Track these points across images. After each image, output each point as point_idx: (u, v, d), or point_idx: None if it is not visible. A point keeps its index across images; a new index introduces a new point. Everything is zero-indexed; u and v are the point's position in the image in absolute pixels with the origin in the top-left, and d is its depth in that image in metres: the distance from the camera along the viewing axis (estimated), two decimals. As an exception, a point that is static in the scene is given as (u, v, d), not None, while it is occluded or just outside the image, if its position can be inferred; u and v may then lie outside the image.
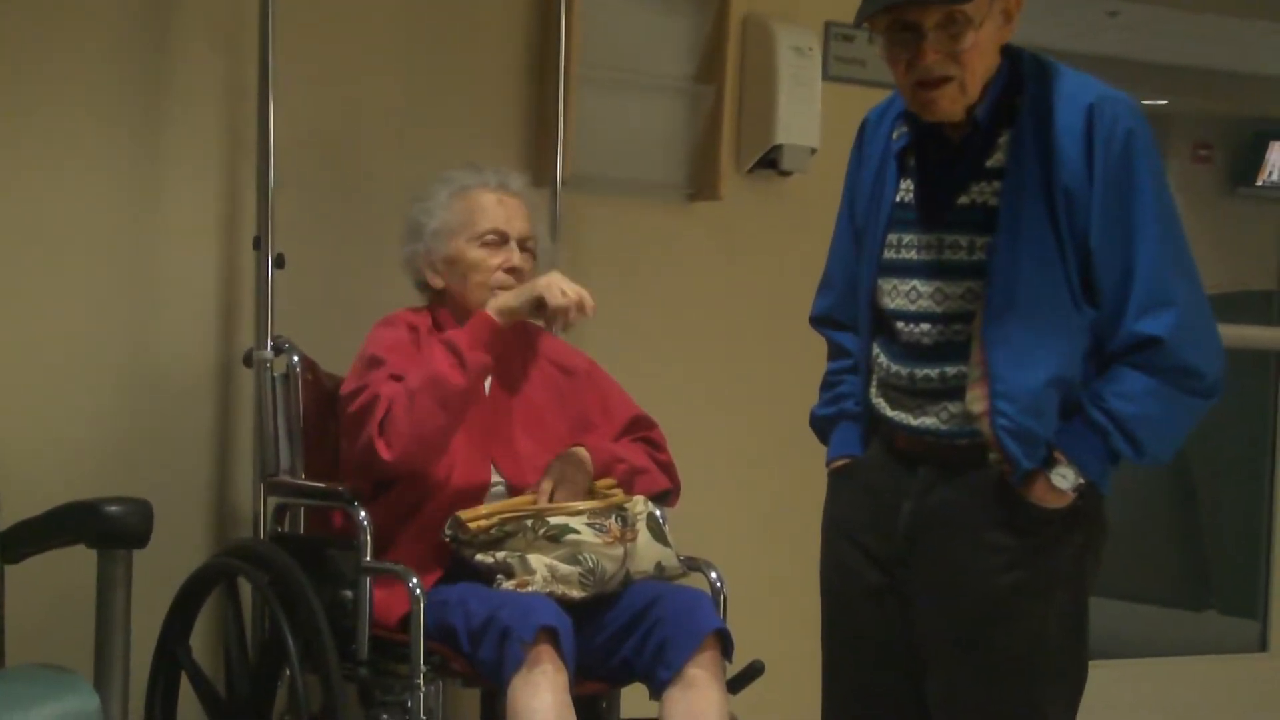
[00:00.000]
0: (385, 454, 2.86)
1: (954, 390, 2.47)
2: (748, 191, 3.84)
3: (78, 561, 2.80)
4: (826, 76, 3.82)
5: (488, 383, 3.03)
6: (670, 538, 2.94)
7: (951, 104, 2.44)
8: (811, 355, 2.83)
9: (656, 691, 2.75)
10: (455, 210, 3.05)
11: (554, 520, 2.82)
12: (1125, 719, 4.28)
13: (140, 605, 2.83)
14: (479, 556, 2.82)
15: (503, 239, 3.03)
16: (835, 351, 2.72)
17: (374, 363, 2.97)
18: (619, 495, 2.95)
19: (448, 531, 2.84)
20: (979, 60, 2.42)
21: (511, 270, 3.02)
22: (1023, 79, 2.48)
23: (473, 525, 2.81)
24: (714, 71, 3.79)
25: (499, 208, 3.06)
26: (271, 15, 3.21)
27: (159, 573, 3.05)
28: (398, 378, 2.90)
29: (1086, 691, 2.59)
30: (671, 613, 2.77)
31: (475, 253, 3.02)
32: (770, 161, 3.80)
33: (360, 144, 3.47)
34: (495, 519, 2.82)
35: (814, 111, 3.76)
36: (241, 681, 3.08)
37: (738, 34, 3.80)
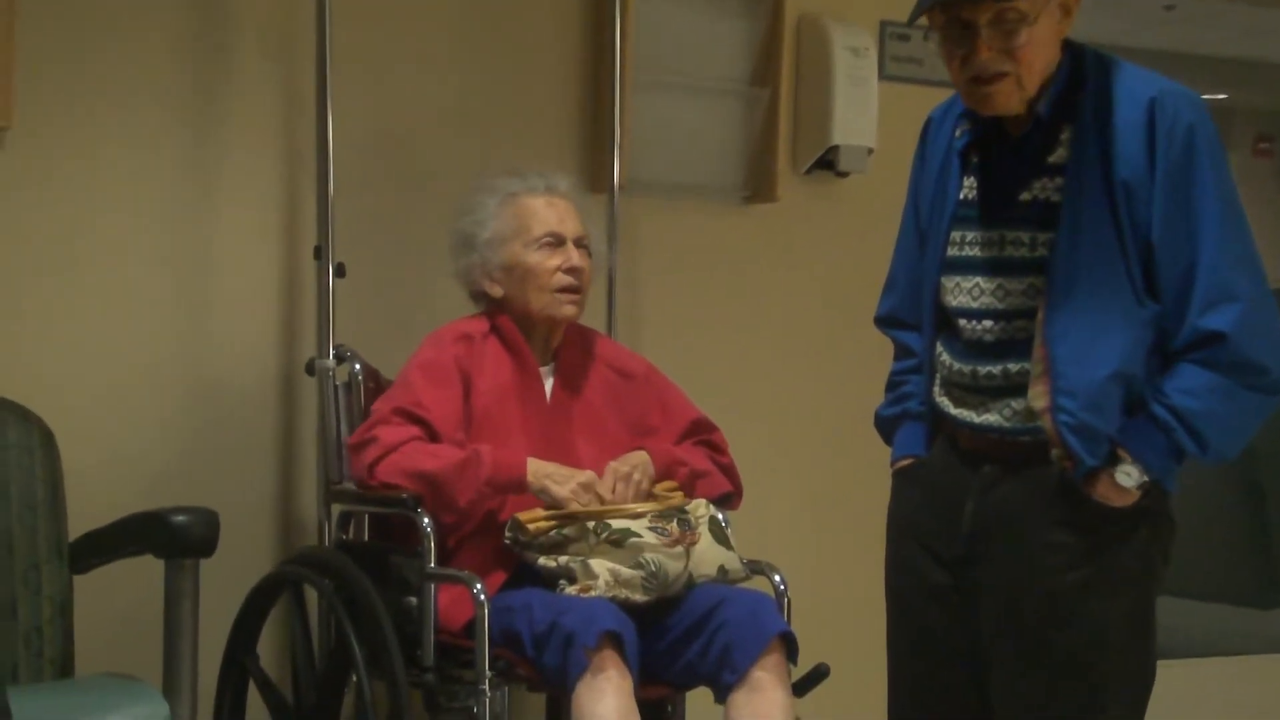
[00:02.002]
0: (355, 474, 2.96)
1: (1017, 387, 2.46)
2: (805, 193, 3.83)
3: (146, 571, 2.83)
4: (883, 76, 3.81)
5: (548, 387, 3.04)
6: (733, 540, 2.93)
7: (1007, 99, 2.42)
8: (870, 356, 2.83)
9: (721, 695, 2.75)
10: (506, 218, 3.05)
11: (615, 524, 2.81)
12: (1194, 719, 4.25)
13: (208, 614, 2.85)
14: (542, 561, 2.82)
15: (559, 240, 3.03)
16: (900, 352, 2.71)
17: (406, 380, 3.00)
18: (679, 498, 2.94)
19: (508, 534, 2.85)
20: (1035, 55, 2.41)
21: (571, 270, 3.01)
22: (1084, 74, 2.46)
23: (532, 527, 2.82)
24: (769, 73, 3.78)
25: (550, 210, 3.06)
26: (328, 24, 3.21)
27: (225, 581, 3.07)
28: (413, 416, 2.92)
29: (1155, 691, 2.57)
30: (735, 616, 2.76)
31: (533, 257, 3.02)
32: (827, 163, 3.78)
33: (417, 151, 3.47)
34: (553, 521, 2.82)
35: (870, 112, 3.75)
36: (308, 689, 3.10)
37: (792, 35, 3.78)
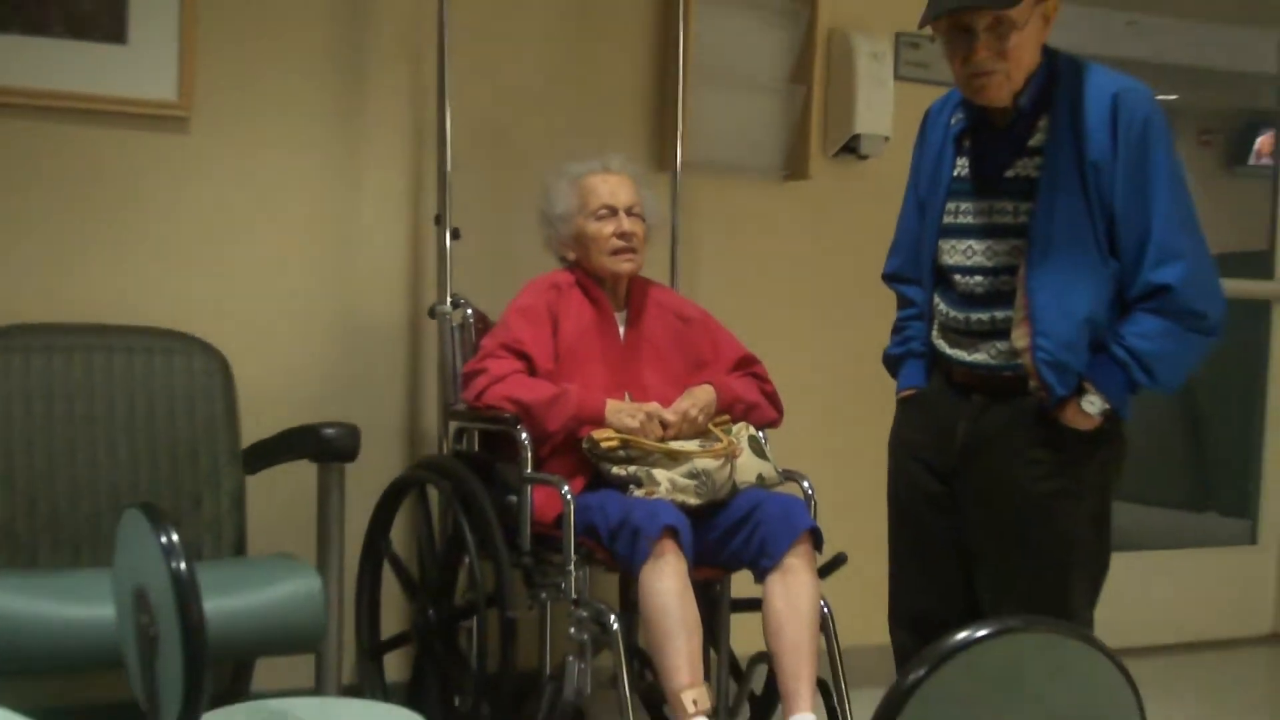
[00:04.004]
0: (467, 399, 2.96)
1: (1002, 330, 2.47)
2: (832, 173, 3.81)
3: (302, 472, 2.89)
4: (897, 77, 3.79)
5: (621, 329, 3.06)
6: (769, 453, 2.95)
7: (999, 90, 2.43)
8: (882, 307, 2.83)
9: (760, 577, 2.78)
10: (571, 196, 3.06)
11: (673, 445, 2.85)
12: (1140, 602, 4.26)
13: (351, 507, 2.92)
14: (614, 469, 2.84)
15: (612, 211, 3.03)
16: (903, 302, 2.72)
17: (505, 322, 3.01)
18: (726, 422, 2.97)
19: (585, 445, 2.87)
20: (1022, 56, 2.41)
21: (623, 234, 3.02)
22: (1059, 73, 2.46)
23: (604, 445, 2.84)
24: (804, 73, 3.76)
25: (604, 184, 3.05)
26: (445, 32, 3.22)
27: (365, 481, 3.14)
28: (516, 351, 2.94)
29: (1109, 576, 2.58)
30: (771, 514, 2.78)
31: (592, 226, 3.03)
32: (851, 148, 3.77)
33: (517, 135, 3.47)
34: (618, 441, 2.84)
35: (887, 106, 3.72)
36: (431, 567, 3.14)
37: (824, 43, 3.76)
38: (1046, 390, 2.43)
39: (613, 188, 3.05)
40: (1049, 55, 2.48)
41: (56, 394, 2.90)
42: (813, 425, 3.58)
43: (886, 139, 3.73)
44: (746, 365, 3.13)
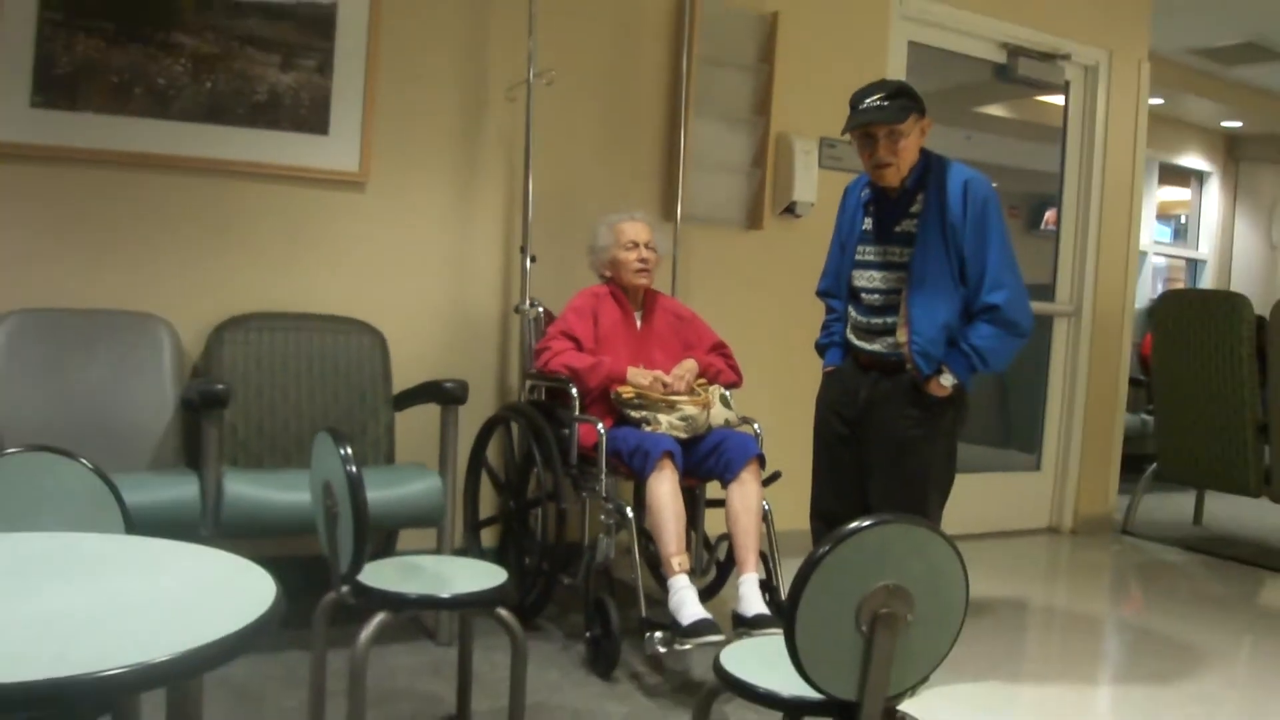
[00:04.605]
0: (537, 366, 2.91)
1: (890, 330, 2.46)
2: (777, 225, 3.76)
3: (431, 411, 2.86)
4: (820, 165, 3.74)
5: (638, 324, 3.01)
6: (733, 405, 2.92)
7: (893, 176, 2.41)
8: (812, 314, 2.80)
9: (724, 485, 2.74)
10: (609, 235, 3.02)
11: (674, 399, 2.81)
12: (965, 506, 4.24)
13: (462, 434, 2.90)
14: (632, 413, 2.81)
15: (635, 244, 2.98)
16: (828, 310, 2.72)
17: (564, 317, 2.97)
18: (704, 383, 2.93)
19: (613, 396, 2.84)
20: (907, 155, 2.40)
21: (643, 260, 2.97)
22: (930, 166, 2.43)
23: (625, 395, 2.81)
24: (761, 161, 3.71)
25: (631, 227, 3.00)
26: (530, 128, 3.20)
27: (471, 418, 3.12)
28: (570, 335, 2.89)
29: (954, 491, 2.55)
30: (733, 445, 2.75)
31: (622, 255, 2.98)
32: (790, 209, 3.72)
33: (575, 197, 3.43)
34: (634, 394, 2.81)
35: (813, 183, 3.68)
36: (512, 474, 3.12)
37: (774, 142, 3.71)
38: (918, 370, 2.40)
39: (636, 229, 3.01)
40: (924, 154, 2.46)
41: (278, 357, 2.89)
42: (763, 385, 3.55)
43: (812, 204, 3.70)
44: (719, 348, 3.09)
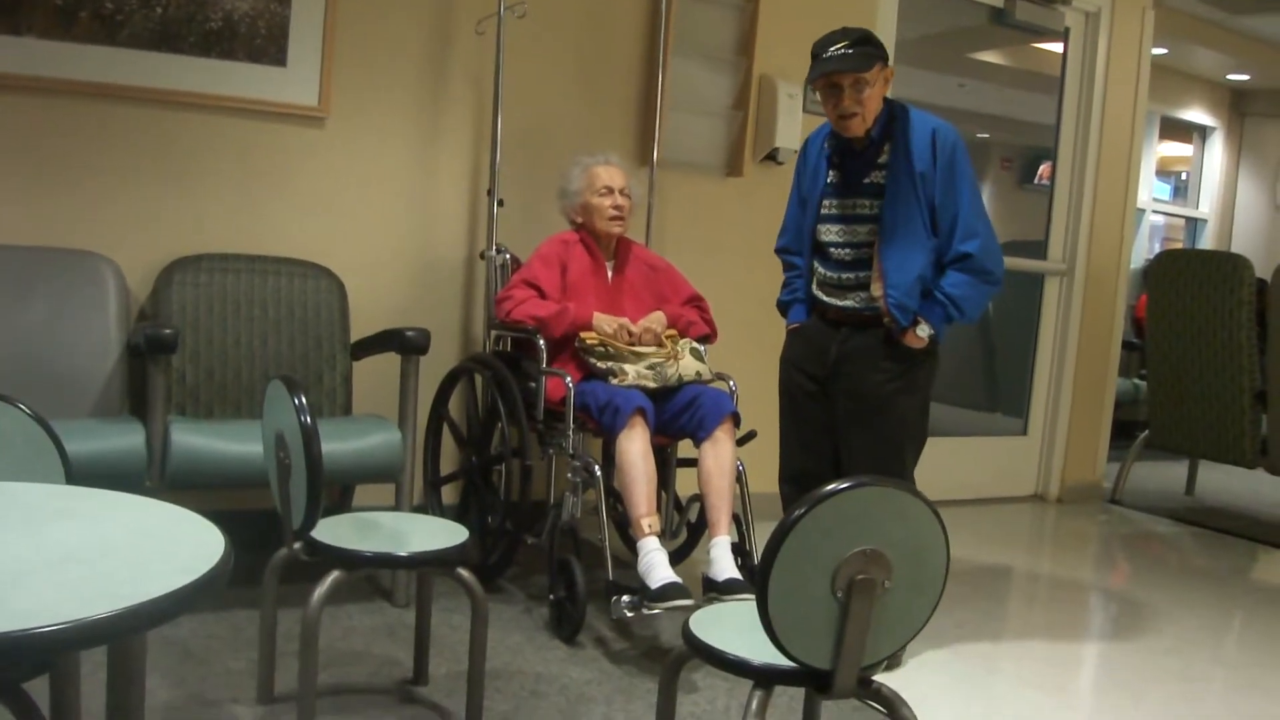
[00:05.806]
0: (499, 316, 2.90)
1: (863, 284, 2.48)
2: (758, 172, 3.76)
3: (390, 361, 2.85)
4: (805, 110, 3.73)
5: (609, 274, 3.01)
6: (706, 359, 2.92)
7: (858, 127, 2.43)
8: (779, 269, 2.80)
9: (697, 444, 2.75)
10: (582, 179, 3.00)
11: (639, 349, 2.82)
12: (950, 470, 4.27)
13: (422, 385, 2.88)
14: (596, 362, 2.80)
15: (609, 190, 2.96)
16: (788, 266, 2.74)
17: (529, 264, 2.96)
18: (674, 335, 2.93)
19: (576, 343, 2.82)
20: (872, 104, 2.42)
21: (617, 206, 2.95)
22: (895, 115, 2.47)
23: (589, 341, 2.80)
24: (742, 104, 3.71)
25: (605, 172, 2.98)
26: (500, 68, 3.17)
27: (432, 368, 3.10)
28: (533, 284, 2.88)
29: (926, 453, 2.59)
30: (706, 402, 2.75)
31: (596, 200, 2.96)
32: (771, 156, 3.72)
33: (546, 137, 3.41)
34: (598, 340, 2.80)
35: (797, 129, 3.67)
36: (475, 429, 3.12)
37: (756, 84, 3.70)
38: (894, 322, 2.42)
39: (611, 174, 2.99)
40: (888, 103, 2.48)
41: (229, 301, 2.87)
42: (740, 342, 3.56)
43: (795, 151, 3.67)
44: (695, 300, 3.09)
